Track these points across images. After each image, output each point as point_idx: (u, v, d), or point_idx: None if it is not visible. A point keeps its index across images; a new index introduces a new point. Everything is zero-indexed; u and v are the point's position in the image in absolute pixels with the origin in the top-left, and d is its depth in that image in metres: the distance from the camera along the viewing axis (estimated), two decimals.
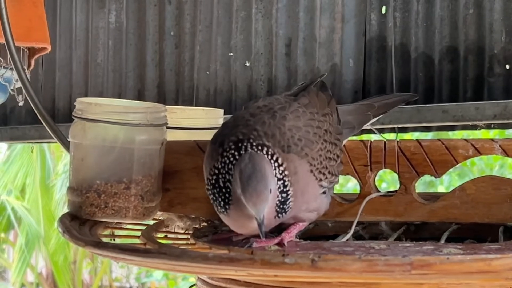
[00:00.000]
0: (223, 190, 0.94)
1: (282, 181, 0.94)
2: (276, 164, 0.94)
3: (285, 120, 0.98)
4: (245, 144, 0.95)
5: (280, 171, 0.94)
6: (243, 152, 0.94)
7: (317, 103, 1.04)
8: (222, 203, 0.94)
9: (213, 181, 0.95)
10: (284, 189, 0.94)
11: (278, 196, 0.94)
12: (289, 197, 0.95)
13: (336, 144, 1.04)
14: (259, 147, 0.94)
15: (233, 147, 0.95)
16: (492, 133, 4.19)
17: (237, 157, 0.94)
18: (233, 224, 0.97)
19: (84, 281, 5.90)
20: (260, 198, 0.91)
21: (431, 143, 1.10)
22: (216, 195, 0.95)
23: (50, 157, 5.48)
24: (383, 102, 1.16)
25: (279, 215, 0.95)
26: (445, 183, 4.82)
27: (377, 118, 1.15)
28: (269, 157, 0.94)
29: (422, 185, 4.65)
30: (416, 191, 1.12)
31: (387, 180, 4.81)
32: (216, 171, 0.95)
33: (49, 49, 1.69)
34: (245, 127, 0.97)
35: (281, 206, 0.95)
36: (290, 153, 0.97)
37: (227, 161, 0.94)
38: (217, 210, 0.97)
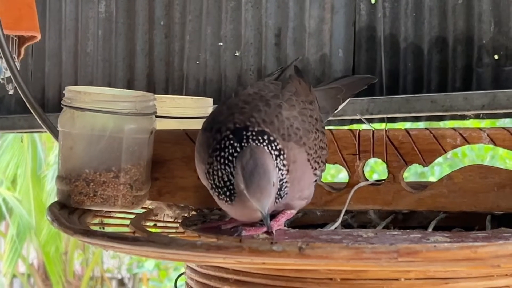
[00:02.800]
0: (227, 182, 0.94)
1: (281, 171, 0.95)
2: (276, 153, 0.94)
3: (281, 108, 0.98)
4: (244, 132, 0.94)
5: (280, 160, 0.94)
6: (244, 143, 0.93)
7: (302, 90, 1.04)
8: (227, 193, 0.94)
9: (214, 172, 0.94)
10: (281, 178, 0.95)
11: (278, 184, 0.94)
12: (284, 183, 0.95)
13: (324, 132, 1.04)
14: (259, 135, 0.94)
15: (231, 136, 0.94)
16: (484, 124, 4.19)
17: (237, 148, 0.93)
18: (236, 213, 0.97)
19: (75, 272, 5.90)
20: (264, 193, 0.91)
21: (419, 132, 1.10)
22: (222, 184, 0.94)
23: (41, 147, 5.47)
24: (347, 85, 1.17)
25: (277, 201, 0.96)
26: (436, 174, 4.83)
27: (346, 102, 1.16)
28: (270, 145, 0.94)
29: (413, 175, 4.66)
30: (406, 180, 1.13)
31: (378, 171, 4.82)
32: (217, 161, 0.94)
33: (39, 37, 1.68)
34: (241, 114, 0.97)
35: (278, 193, 0.95)
36: (290, 142, 0.97)
37: (227, 153, 0.93)
38: (218, 199, 0.96)
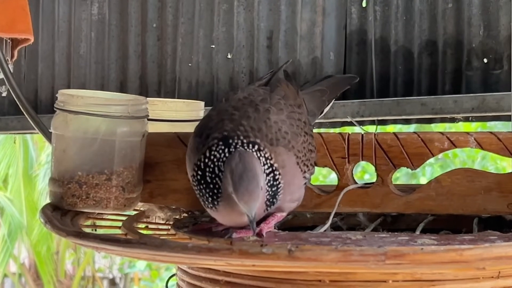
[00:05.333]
0: (211, 186, 0.94)
1: (272, 175, 0.95)
2: (264, 160, 0.95)
3: (269, 113, 0.99)
4: (232, 140, 0.95)
5: (269, 165, 0.95)
6: (232, 149, 0.94)
7: (290, 94, 1.05)
8: (210, 199, 0.95)
9: (199, 177, 0.95)
10: (274, 183, 0.95)
11: (268, 191, 0.95)
12: (279, 190, 0.96)
13: (312, 135, 1.06)
14: (247, 144, 0.95)
15: (220, 143, 0.95)
16: (474, 126, 4.21)
17: (226, 153, 0.94)
18: (222, 218, 0.98)
19: (67, 271, 5.89)
20: (252, 197, 0.92)
21: (407, 136, 1.11)
22: (203, 191, 0.95)
23: (33, 147, 5.46)
24: (331, 86, 1.18)
25: (268, 208, 0.97)
26: (427, 175, 4.85)
27: (331, 103, 1.17)
28: (258, 153, 0.95)
29: (405, 176, 4.67)
30: (398, 182, 1.13)
31: (370, 172, 4.83)
32: (202, 166, 0.95)
33: (32, 40, 1.69)
34: (230, 122, 0.98)
35: (270, 200, 0.96)
36: (278, 146, 0.97)
37: (215, 158, 0.94)
38: (204, 205, 0.97)
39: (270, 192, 0.95)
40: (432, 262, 0.82)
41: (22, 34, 1.63)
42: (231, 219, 0.96)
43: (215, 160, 0.94)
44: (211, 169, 0.94)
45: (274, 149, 0.97)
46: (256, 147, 0.95)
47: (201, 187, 0.95)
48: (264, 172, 0.94)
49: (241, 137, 0.96)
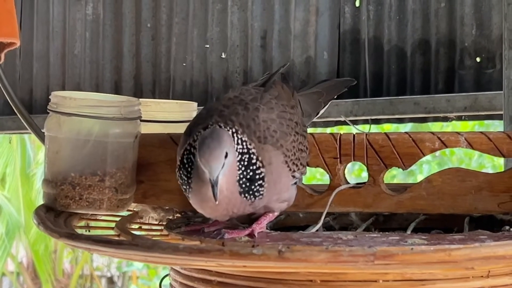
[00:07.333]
0: (186, 166, 0.95)
1: (247, 155, 0.95)
2: (239, 141, 0.95)
3: (258, 111, 1.00)
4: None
5: (244, 146, 0.95)
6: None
7: (284, 95, 1.06)
8: (185, 178, 0.96)
9: (181, 166, 0.96)
10: (251, 167, 0.95)
11: (241, 169, 0.95)
12: (257, 177, 0.96)
13: (304, 136, 1.06)
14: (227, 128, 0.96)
15: (203, 131, 0.96)
16: (471, 124, 4.21)
17: None
18: (195, 199, 0.98)
19: (65, 270, 5.89)
20: (213, 155, 0.92)
21: (398, 136, 1.12)
22: (182, 175, 0.96)
23: (30, 146, 5.47)
24: (328, 88, 1.18)
25: (246, 195, 0.96)
26: (425, 173, 4.85)
27: (327, 105, 1.18)
28: (235, 135, 0.95)
29: (402, 173, 4.68)
30: (396, 180, 1.14)
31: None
32: (185, 153, 0.96)
33: (18, 44, 1.68)
34: (220, 118, 0.99)
35: (247, 184, 0.95)
36: (266, 144, 0.98)
37: (195, 141, 0.96)
38: (184, 192, 0.98)
39: (245, 173, 0.95)
40: (421, 262, 0.82)
41: (7, 38, 1.61)
42: (202, 198, 0.96)
43: (194, 143, 0.95)
44: (189, 152, 0.95)
45: (262, 146, 0.97)
46: (234, 130, 0.96)
47: (181, 172, 0.96)
48: (237, 150, 0.95)
49: (221, 124, 0.96)
